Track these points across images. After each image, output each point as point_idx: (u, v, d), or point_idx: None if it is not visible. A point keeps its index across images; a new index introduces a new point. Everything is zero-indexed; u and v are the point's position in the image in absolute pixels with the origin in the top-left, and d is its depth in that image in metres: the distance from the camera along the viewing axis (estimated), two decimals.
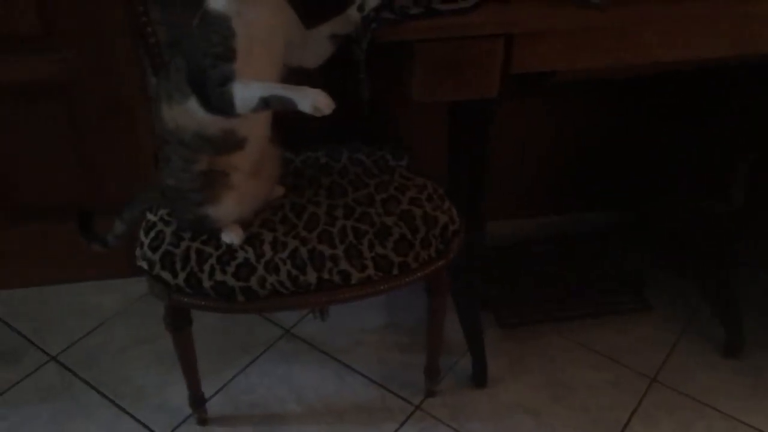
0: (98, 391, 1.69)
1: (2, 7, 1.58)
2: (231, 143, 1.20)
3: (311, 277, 1.27)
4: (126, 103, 1.75)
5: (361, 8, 1.14)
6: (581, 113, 1.94)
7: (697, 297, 1.90)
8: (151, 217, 1.38)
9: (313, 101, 1.04)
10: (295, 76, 1.20)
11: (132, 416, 1.62)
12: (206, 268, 1.26)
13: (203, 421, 1.60)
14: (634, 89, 1.84)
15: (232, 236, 1.28)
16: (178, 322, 1.39)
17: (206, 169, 1.22)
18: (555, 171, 2.04)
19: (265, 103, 1.08)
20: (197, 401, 1.57)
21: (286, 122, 1.28)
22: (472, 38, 1.13)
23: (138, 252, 1.33)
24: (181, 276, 1.27)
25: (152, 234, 1.33)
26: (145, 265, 1.30)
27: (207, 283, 1.26)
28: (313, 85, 1.09)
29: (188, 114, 1.16)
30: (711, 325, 1.81)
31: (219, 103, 1.11)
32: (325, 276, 1.27)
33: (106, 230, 1.43)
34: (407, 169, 1.48)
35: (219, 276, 1.26)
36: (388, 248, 1.30)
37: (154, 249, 1.30)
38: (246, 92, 1.08)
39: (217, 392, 1.68)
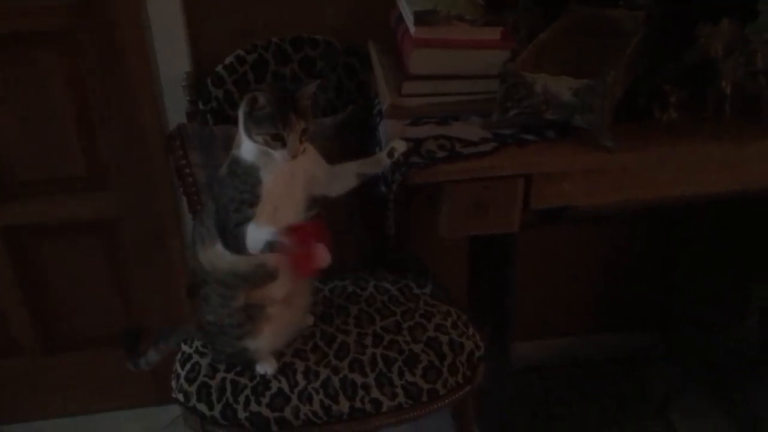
0: None
1: (56, 154, 1.70)
2: (264, 275, 1.25)
3: (344, 406, 1.30)
4: (163, 241, 1.82)
5: (390, 155, 1.20)
6: (603, 234, 1.98)
7: (725, 420, 1.88)
8: (186, 348, 1.42)
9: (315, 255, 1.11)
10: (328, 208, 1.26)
11: None
12: (241, 399, 1.30)
13: None
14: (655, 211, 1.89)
15: (266, 367, 1.32)
16: None
17: (244, 305, 1.27)
18: (574, 292, 2.06)
19: (270, 246, 1.14)
20: None
21: None
22: (495, 179, 1.20)
23: (174, 384, 1.36)
24: (217, 408, 1.30)
25: (188, 366, 1.37)
26: (181, 397, 1.34)
27: (242, 414, 1.29)
28: (338, 216, 1.14)
29: (219, 255, 1.23)
30: None
31: (233, 243, 1.18)
32: (357, 405, 1.30)
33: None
34: (431, 296, 1.52)
35: (254, 407, 1.29)
36: (417, 375, 1.33)
37: (190, 381, 1.34)
38: (256, 235, 1.15)
39: None
